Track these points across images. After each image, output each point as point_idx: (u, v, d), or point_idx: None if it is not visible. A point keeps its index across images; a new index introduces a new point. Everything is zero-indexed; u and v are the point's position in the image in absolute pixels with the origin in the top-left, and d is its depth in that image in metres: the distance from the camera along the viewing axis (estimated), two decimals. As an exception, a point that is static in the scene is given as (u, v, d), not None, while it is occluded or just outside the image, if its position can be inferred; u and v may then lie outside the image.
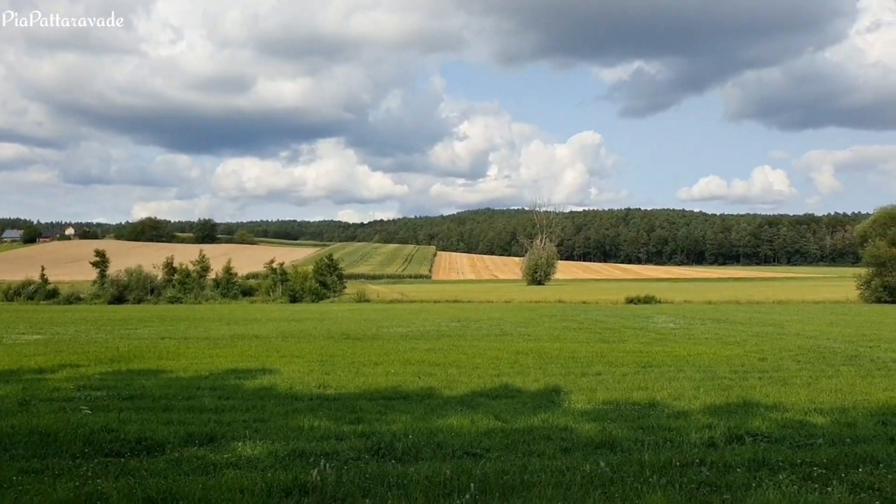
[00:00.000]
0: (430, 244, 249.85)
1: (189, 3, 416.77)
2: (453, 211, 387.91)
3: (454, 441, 8.06)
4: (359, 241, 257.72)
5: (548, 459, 7.38)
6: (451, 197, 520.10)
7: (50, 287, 79.19)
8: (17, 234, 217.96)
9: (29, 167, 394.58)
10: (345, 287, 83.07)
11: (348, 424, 9.26)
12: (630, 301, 55.91)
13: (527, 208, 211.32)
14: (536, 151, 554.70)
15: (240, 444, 7.95)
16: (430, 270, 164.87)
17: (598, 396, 11.52)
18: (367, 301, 70.42)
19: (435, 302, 60.85)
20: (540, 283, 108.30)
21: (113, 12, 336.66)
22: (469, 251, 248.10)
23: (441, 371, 14.97)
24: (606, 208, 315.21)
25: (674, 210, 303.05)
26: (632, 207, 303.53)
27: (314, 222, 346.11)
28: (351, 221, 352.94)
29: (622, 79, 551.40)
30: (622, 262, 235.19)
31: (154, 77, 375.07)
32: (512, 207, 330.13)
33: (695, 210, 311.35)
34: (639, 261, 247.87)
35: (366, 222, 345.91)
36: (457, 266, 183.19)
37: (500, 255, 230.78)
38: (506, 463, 7.15)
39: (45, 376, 14.64)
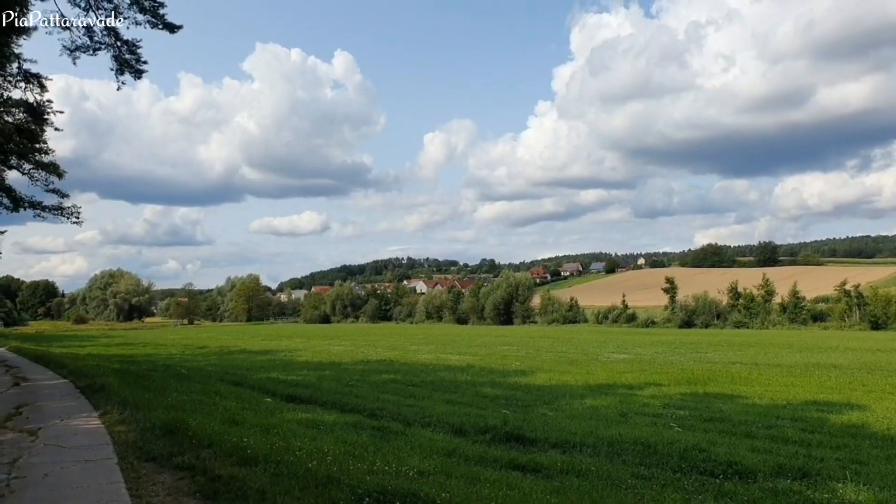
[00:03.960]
0: None
1: (739, 29, 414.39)
2: None
3: None
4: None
5: None
6: None
7: (629, 312, 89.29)
8: (600, 266, 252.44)
9: (607, 207, 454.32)
10: (949, 311, 67.90)
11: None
12: None
13: None
14: None
15: (839, 485, 7.29)
16: None
17: None
18: None
19: None
20: None
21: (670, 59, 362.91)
22: None
23: None
24: None
25: None
26: None
27: (893, 236, 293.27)
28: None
29: None
30: None
31: (708, 108, 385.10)
32: None
33: None
34: None
35: None
36: None
37: None
38: None
39: (634, 392, 16.41)
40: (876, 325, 65.01)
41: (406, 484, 6.37)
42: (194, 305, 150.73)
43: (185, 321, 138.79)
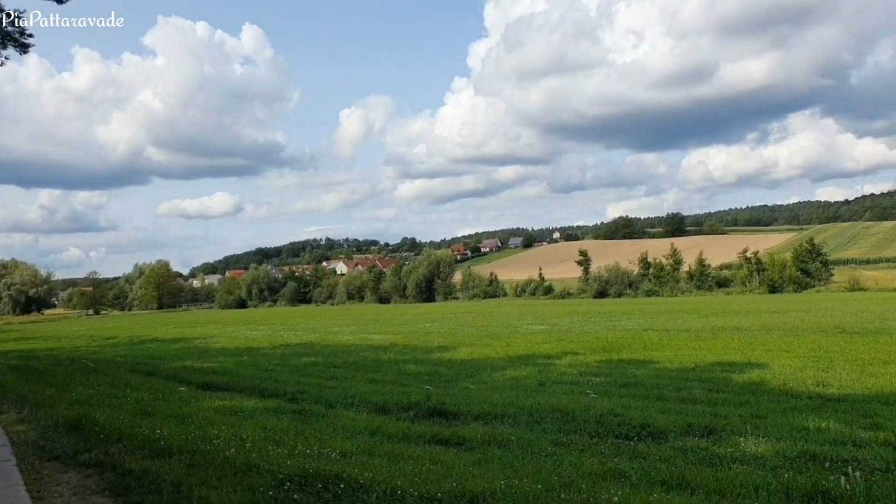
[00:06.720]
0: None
1: (648, 5, 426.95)
2: None
3: None
4: (843, 222, 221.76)
5: None
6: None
7: (546, 284, 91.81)
8: (518, 241, 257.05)
9: (524, 183, 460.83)
10: (831, 275, 73.96)
11: (864, 430, 8.10)
12: None
13: None
14: None
15: (741, 439, 7.71)
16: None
17: None
18: (863, 289, 61.27)
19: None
20: None
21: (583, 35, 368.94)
22: None
23: None
24: None
25: None
26: None
27: (788, 205, 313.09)
28: (833, 200, 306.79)
29: None
30: None
31: (620, 83, 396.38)
32: None
33: None
34: None
35: (851, 199, 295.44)
36: None
37: None
38: None
39: (553, 362, 16.85)
40: (773, 289, 69.53)
41: (328, 466, 6.30)
42: (100, 295, 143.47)
43: (91, 312, 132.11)
